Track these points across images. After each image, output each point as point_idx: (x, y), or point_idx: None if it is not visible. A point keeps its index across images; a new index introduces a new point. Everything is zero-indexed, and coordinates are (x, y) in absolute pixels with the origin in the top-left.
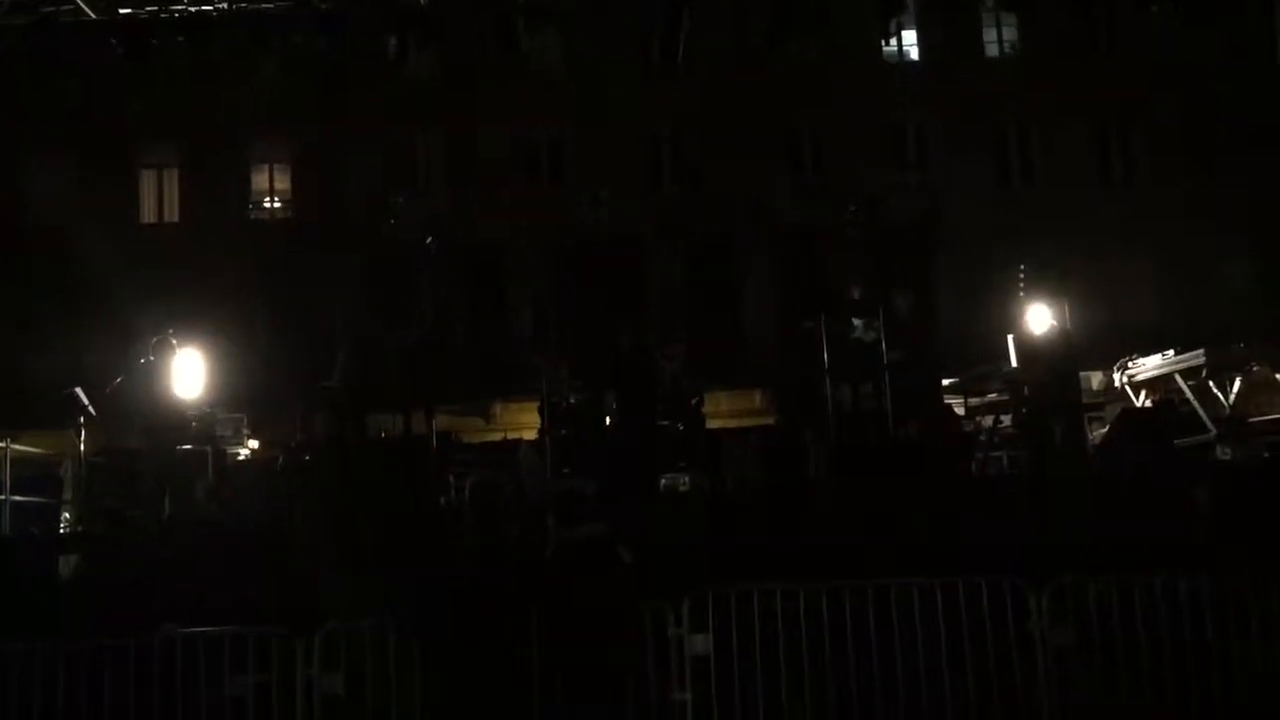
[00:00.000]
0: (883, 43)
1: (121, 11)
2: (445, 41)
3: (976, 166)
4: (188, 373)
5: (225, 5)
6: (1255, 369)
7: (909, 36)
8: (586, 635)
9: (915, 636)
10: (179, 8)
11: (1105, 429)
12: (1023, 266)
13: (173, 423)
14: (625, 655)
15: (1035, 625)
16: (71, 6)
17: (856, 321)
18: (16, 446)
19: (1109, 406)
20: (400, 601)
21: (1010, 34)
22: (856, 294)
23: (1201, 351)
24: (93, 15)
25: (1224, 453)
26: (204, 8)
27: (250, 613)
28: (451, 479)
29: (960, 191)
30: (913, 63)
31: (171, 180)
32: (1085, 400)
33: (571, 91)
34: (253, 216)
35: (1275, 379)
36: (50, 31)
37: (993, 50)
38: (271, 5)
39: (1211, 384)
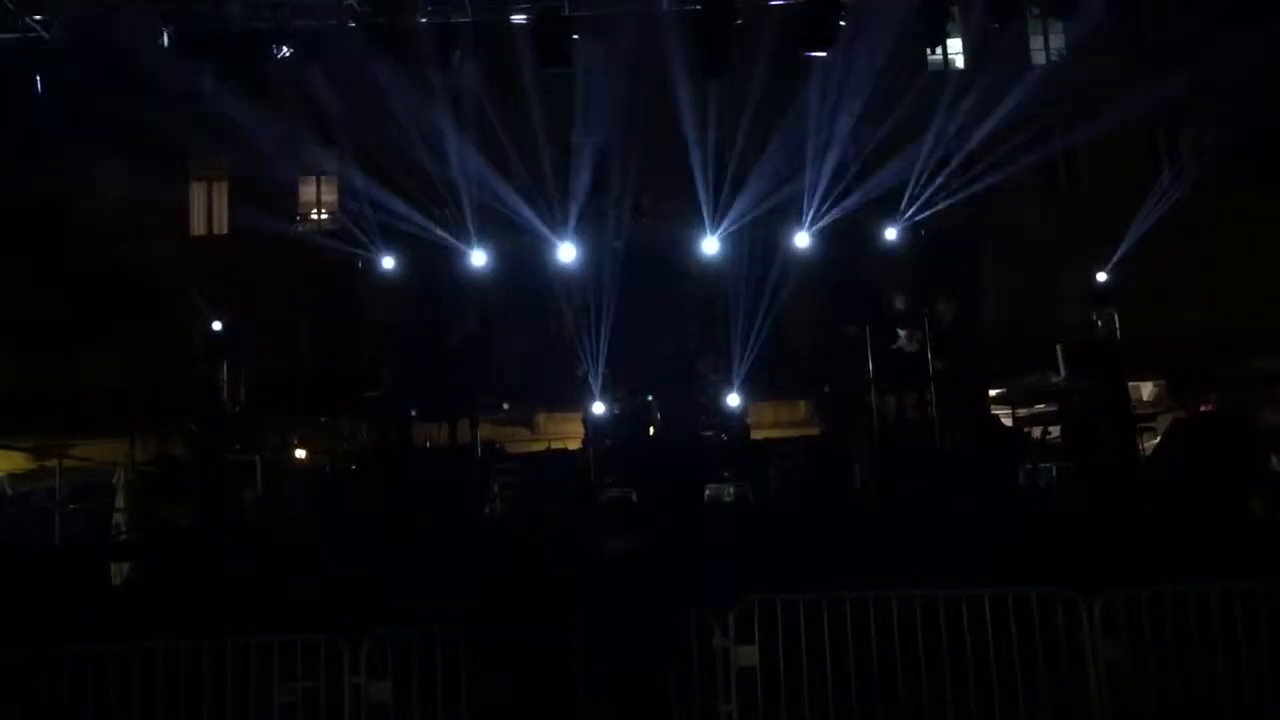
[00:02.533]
0: (928, 50)
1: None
2: (488, 52)
3: (1023, 173)
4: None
5: (275, 23)
6: None
7: (954, 45)
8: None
9: (964, 648)
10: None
11: (1157, 439)
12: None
13: (223, 431)
14: (667, 663)
15: (1087, 637)
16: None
17: (901, 331)
18: (70, 459)
19: (1160, 417)
20: (446, 610)
21: (1057, 41)
22: (901, 303)
23: None
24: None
25: (1278, 463)
26: (257, 24)
27: (298, 620)
28: (496, 488)
29: (1007, 199)
30: (959, 70)
31: (221, 192)
32: (1136, 410)
33: (615, 99)
34: (300, 228)
35: None
36: (101, 43)
37: (1039, 58)
38: (322, 22)
39: None
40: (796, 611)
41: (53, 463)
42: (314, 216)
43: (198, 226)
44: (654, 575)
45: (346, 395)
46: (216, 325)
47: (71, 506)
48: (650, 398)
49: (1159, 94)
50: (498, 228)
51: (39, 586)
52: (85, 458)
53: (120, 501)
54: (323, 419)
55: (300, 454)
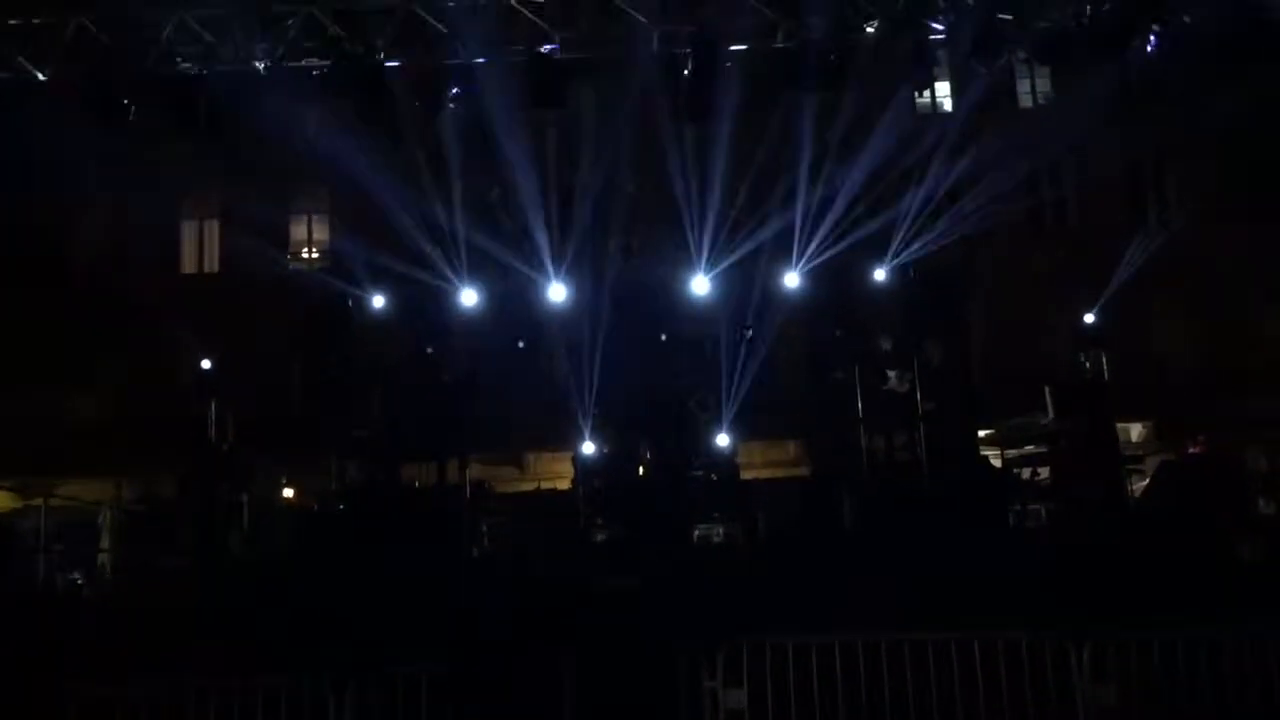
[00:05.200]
0: (916, 93)
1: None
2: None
3: (1010, 215)
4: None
5: (270, 63)
6: None
7: (942, 88)
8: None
9: (953, 692)
10: (225, 67)
11: (1146, 481)
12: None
13: (210, 471)
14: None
15: (1076, 682)
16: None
17: (890, 372)
18: (55, 497)
19: (1148, 458)
20: (434, 651)
21: (1043, 84)
22: (888, 344)
23: None
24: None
25: (1267, 506)
26: (252, 64)
27: (283, 662)
28: (485, 528)
29: (995, 240)
30: (947, 112)
31: (212, 231)
32: (1125, 451)
33: (604, 142)
34: (291, 266)
35: None
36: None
37: (1026, 100)
38: (317, 63)
39: None
40: (786, 654)
41: (38, 501)
42: (305, 255)
43: (189, 264)
44: (643, 616)
45: (335, 434)
46: (206, 363)
47: (56, 547)
48: (640, 437)
49: (1144, 136)
50: (488, 267)
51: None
52: (71, 497)
53: (105, 541)
54: (311, 458)
55: (289, 493)
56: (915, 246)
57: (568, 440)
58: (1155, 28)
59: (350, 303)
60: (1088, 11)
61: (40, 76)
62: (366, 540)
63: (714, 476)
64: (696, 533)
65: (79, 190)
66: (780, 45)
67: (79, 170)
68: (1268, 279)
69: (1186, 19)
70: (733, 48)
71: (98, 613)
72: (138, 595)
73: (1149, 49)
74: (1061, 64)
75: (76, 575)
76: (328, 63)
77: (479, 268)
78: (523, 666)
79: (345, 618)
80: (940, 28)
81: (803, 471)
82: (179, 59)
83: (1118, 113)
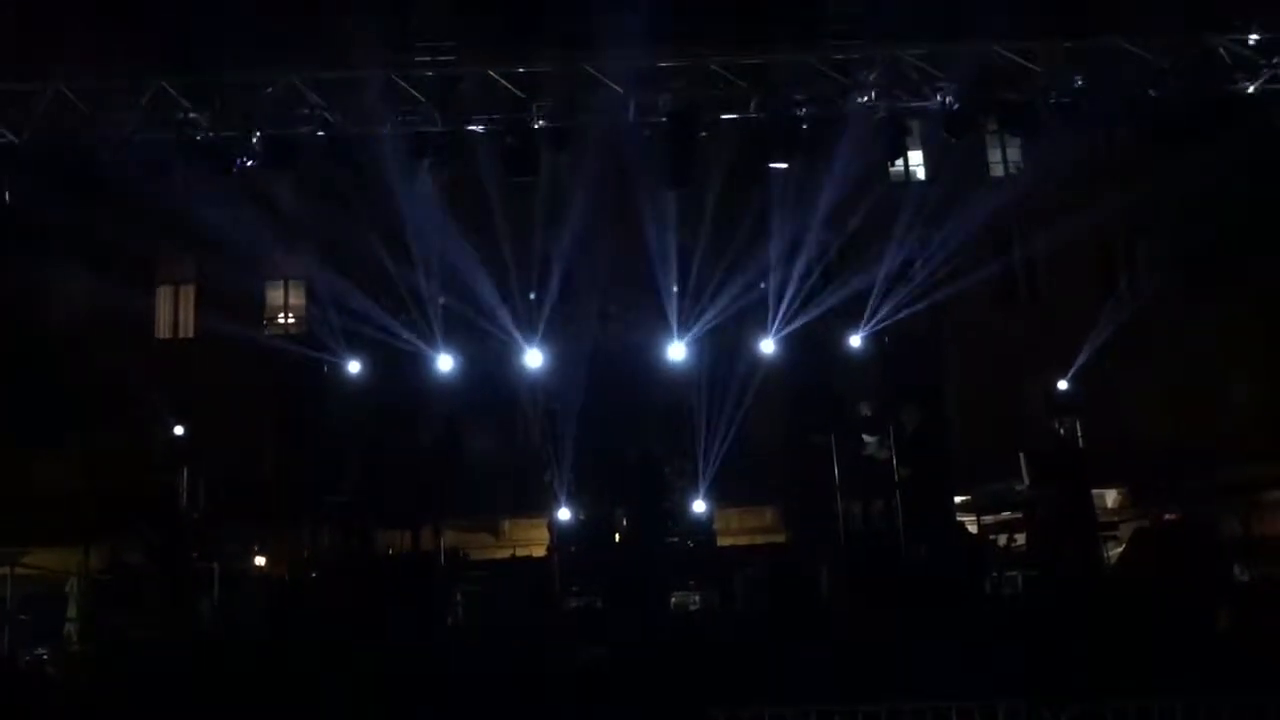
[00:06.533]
0: (890, 163)
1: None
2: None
3: (984, 283)
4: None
5: (245, 130)
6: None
7: (915, 156)
8: None
9: None
10: (200, 134)
11: (1121, 547)
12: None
13: (180, 539)
14: None
15: None
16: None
17: (867, 438)
18: (22, 566)
19: (1123, 525)
20: None
21: (1014, 154)
22: (867, 410)
23: None
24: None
25: (1242, 573)
26: (226, 133)
27: None
28: (459, 595)
29: (969, 307)
30: (920, 181)
31: (188, 297)
32: (1100, 518)
33: (581, 209)
34: (267, 332)
35: None
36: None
37: (998, 170)
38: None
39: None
40: None
41: (4, 570)
42: (281, 320)
43: (163, 330)
44: (618, 684)
45: (309, 501)
46: (178, 429)
47: (21, 617)
48: (617, 504)
49: (1115, 206)
50: (464, 333)
51: None
52: (38, 565)
53: (72, 611)
54: (284, 525)
55: (260, 561)
56: (890, 313)
57: (544, 506)
58: (1120, 101)
59: (325, 369)
60: (1054, 83)
61: (15, 140)
62: (339, 609)
63: (690, 543)
64: (673, 600)
65: (52, 257)
66: (754, 115)
67: (53, 234)
68: (1235, 347)
69: (1153, 93)
70: (708, 119)
71: (62, 692)
72: (103, 670)
73: (1114, 120)
74: (1031, 135)
75: (42, 651)
76: (305, 130)
77: (455, 333)
78: None
79: (319, 687)
80: (911, 99)
81: (780, 538)
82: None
83: (1088, 182)
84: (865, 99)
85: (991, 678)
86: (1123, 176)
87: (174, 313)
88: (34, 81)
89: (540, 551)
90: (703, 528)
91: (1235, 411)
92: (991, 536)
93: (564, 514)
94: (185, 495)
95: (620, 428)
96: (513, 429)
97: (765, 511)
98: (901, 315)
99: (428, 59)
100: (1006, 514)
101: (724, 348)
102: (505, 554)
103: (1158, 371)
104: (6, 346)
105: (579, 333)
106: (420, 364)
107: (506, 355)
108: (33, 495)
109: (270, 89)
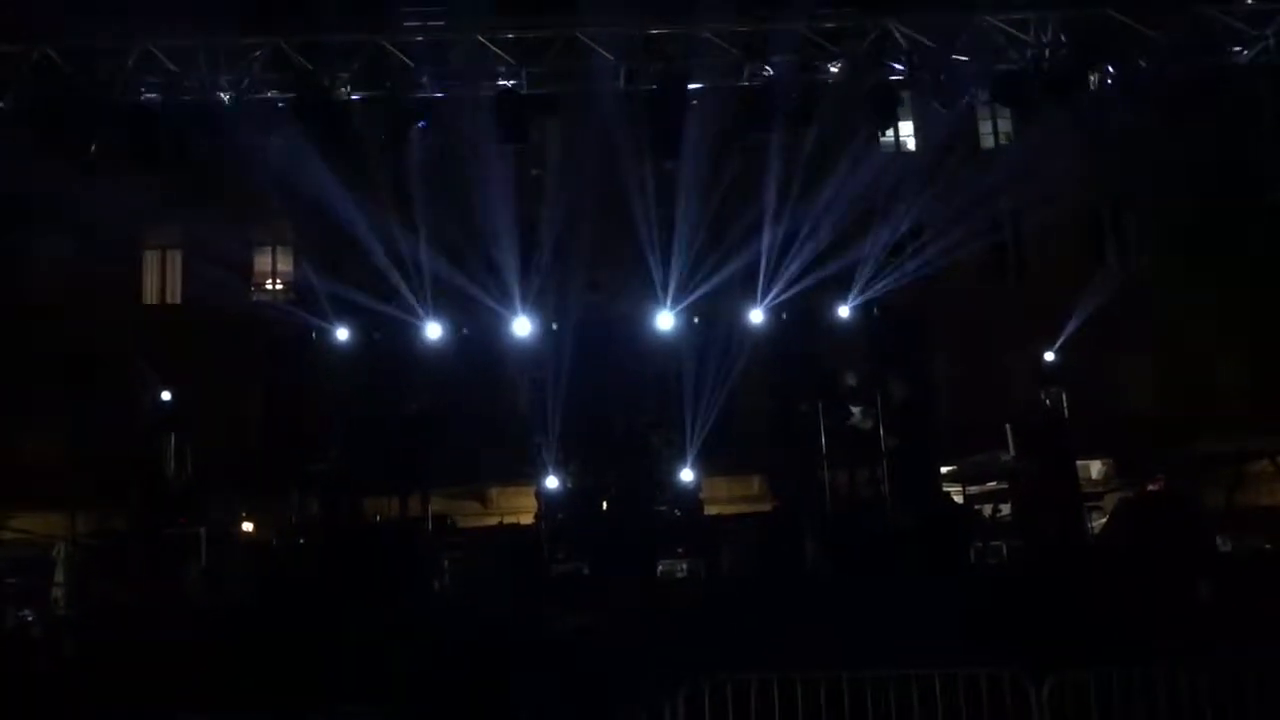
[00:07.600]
0: (880, 133)
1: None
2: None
3: (973, 254)
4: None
5: (234, 94)
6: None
7: (906, 127)
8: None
9: None
10: (188, 98)
11: (1105, 518)
12: None
13: (167, 504)
14: None
15: (1035, 718)
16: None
17: (854, 409)
18: (9, 530)
19: (1108, 495)
20: (394, 687)
21: (1005, 125)
22: (853, 381)
23: None
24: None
25: (1224, 544)
26: (216, 95)
27: (241, 700)
28: (446, 563)
29: (957, 279)
30: (910, 153)
31: (174, 262)
32: (1084, 489)
33: (570, 176)
34: (254, 298)
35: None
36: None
37: (988, 141)
38: (281, 95)
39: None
40: (748, 692)
41: None
42: (269, 287)
43: (150, 295)
44: (604, 652)
45: (296, 467)
46: (166, 395)
47: (9, 580)
48: (604, 472)
49: (1105, 178)
50: (453, 301)
51: None
52: (24, 530)
53: (59, 576)
54: (272, 491)
55: (247, 527)
56: (879, 284)
57: (531, 474)
58: (1110, 70)
59: (313, 335)
60: (1045, 54)
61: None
62: (325, 575)
63: (677, 512)
64: (660, 568)
65: (37, 221)
66: (745, 84)
67: (39, 199)
68: (1222, 319)
69: (1143, 63)
70: (698, 86)
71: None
72: (89, 633)
73: (1105, 91)
74: (1021, 106)
75: (27, 613)
76: (293, 95)
77: (444, 301)
78: (479, 706)
79: (304, 653)
80: (902, 69)
81: (766, 507)
82: (143, 89)
83: (1078, 154)
84: (856, 68)
85: (975, 646)
86: (1113, 147)
87: (161, 278)
88: (19, 43)
89: (528, 519)
90: (690, 496)
91: (1221, 383)
92: (976, 506)
93: (552, 482)
94: (172, 461)
95: (608, 396)
96: (501, 397)
97: (752, 480)
98: (890, 286)
99: (417, 24)
100: (992, 484)
101: (712, 317)
102: (493, 521)
103: (1144, 343)
104: None
105: (567, 301)
106: (409, 331)
107: (495, 323)
108: (19, 461)
109: (257, 52)
